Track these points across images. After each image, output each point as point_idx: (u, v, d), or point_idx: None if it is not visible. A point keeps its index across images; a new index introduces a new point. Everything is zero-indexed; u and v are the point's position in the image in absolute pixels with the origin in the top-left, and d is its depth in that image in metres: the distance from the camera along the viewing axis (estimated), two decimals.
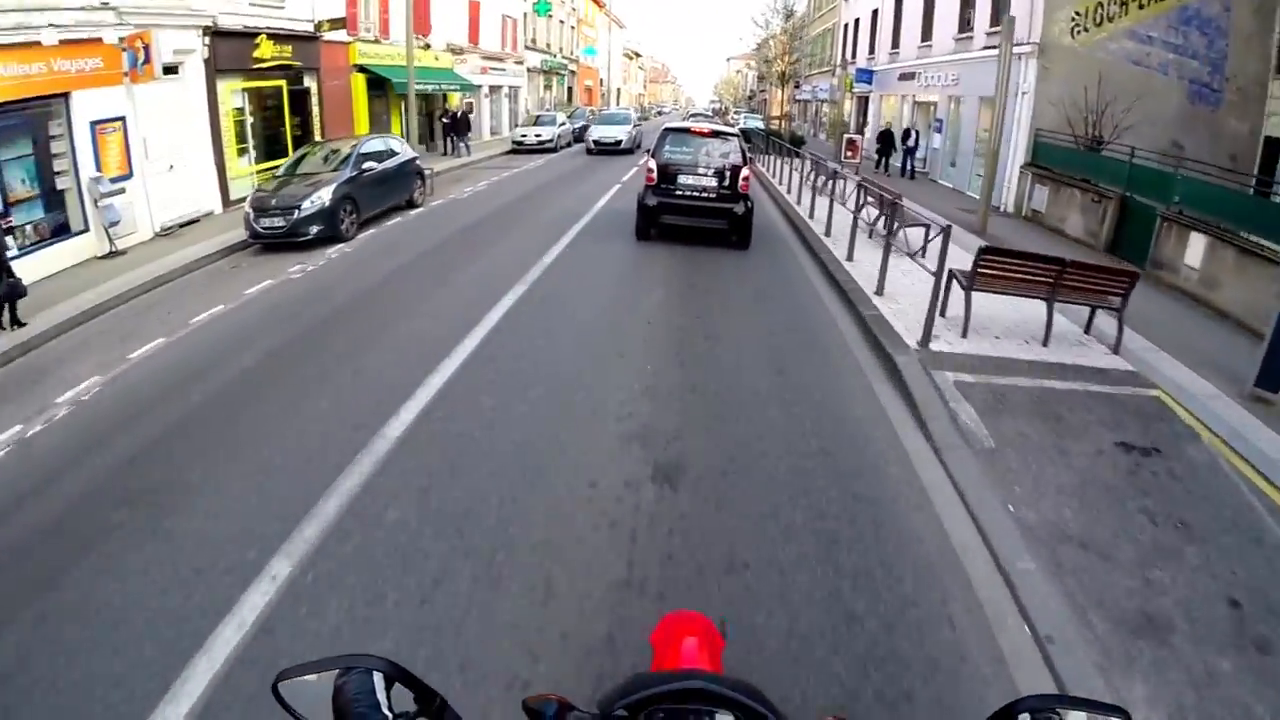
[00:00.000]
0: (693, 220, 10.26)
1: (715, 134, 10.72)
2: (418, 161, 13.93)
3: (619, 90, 66.26)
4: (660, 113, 78.54)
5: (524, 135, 24.87)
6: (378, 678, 0.92)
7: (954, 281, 7.13)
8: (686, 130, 10.84)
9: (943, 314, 7.14)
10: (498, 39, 30.25)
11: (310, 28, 16.64)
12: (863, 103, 31.12)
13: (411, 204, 13.49)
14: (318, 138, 17.24)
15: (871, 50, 29.16)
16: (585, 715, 1.02)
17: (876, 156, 22.33)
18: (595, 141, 24.65)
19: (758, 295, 8.50)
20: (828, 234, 11.55)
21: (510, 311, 7.50)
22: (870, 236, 11.19)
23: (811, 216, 12.91)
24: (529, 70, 34.92)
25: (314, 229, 10.38)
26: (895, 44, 26.28)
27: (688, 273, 9.33)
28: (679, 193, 10.23)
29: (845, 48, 33.68)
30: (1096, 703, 0.97)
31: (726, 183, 10.13)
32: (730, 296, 8.37)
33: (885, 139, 22.14)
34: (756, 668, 2.88)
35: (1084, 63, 15.42)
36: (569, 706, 1.02)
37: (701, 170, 10.17)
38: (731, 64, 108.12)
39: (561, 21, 41.40)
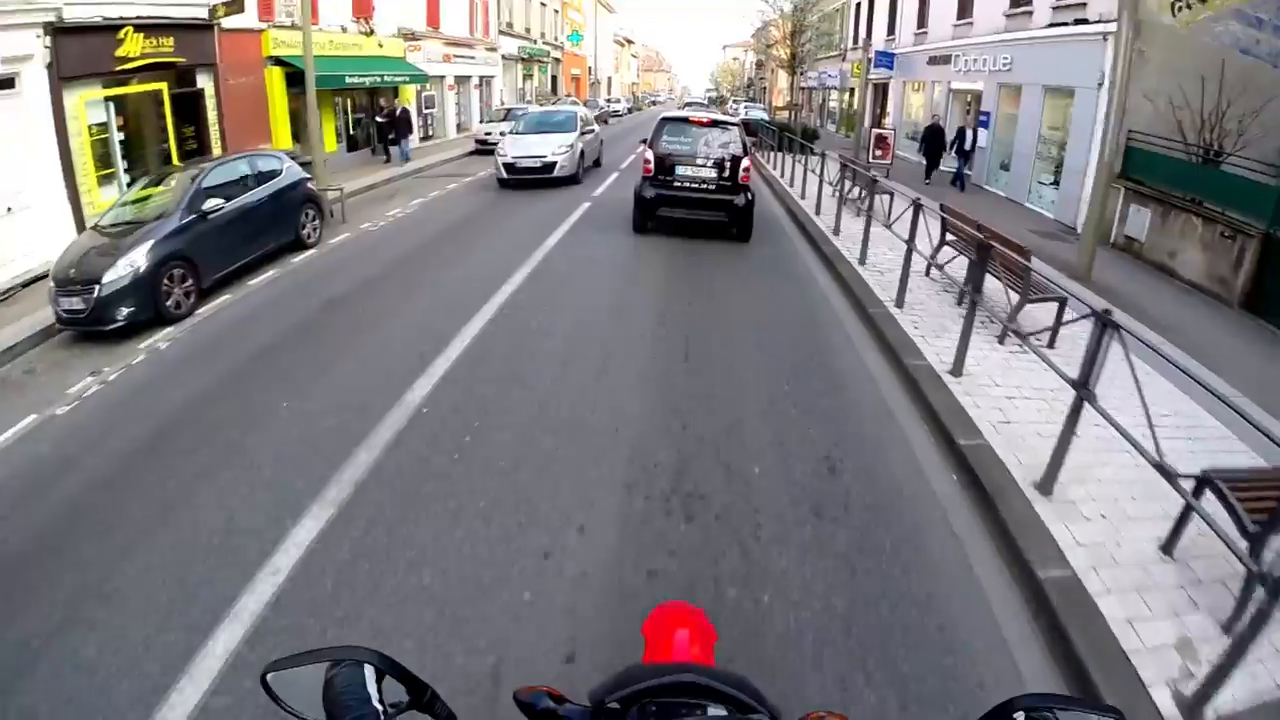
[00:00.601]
0: (691, 213, 9.96)
1: (714, 124, 10.20)
2: (308, 184, 10.27)
3: (610, 79, 62.36)
4: (654, 102, 75.14)
5: (489, 133, 21.14)
6: (368, 670, 0.92)
7: None
8: (685, 120, 10.30)
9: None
10: (464, 22, 26.55)
11: (204, 14, 13.07)
12: (880, 91, 27.47)
13: (300, 245, 9.85)
14: (216, 151, 13.76)
15: (891, 30, 25.48)
16: (576, 708, 1.03)
17: (924, 161, 17.71)
18: (507, 166, 14.74)
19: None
20: (899, 305, 7.33)
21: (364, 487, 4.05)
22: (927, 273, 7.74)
23: (863, 262, 9.05)
24: (505, 58, 31.20)
25: (123, 311, 6.82)
26: (922, 22, 22.62)
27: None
28: (677, 184, 9.86)
29: (858, 28, 29.97)
30: (1092, 703, 1.05)
31: (726, 174, 9.74)
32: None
33: (933, 138, 17.39)
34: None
35: (1184, 48, 11.85)
36: (561, 699, 1.03)
37: (700, 161, 9.78)
38: (728, 51, 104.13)
39: (544, 4, 37.63)
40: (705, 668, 1.14)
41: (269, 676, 0.91)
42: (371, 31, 19.56)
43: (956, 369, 5.48)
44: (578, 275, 8.39)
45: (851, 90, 31.93)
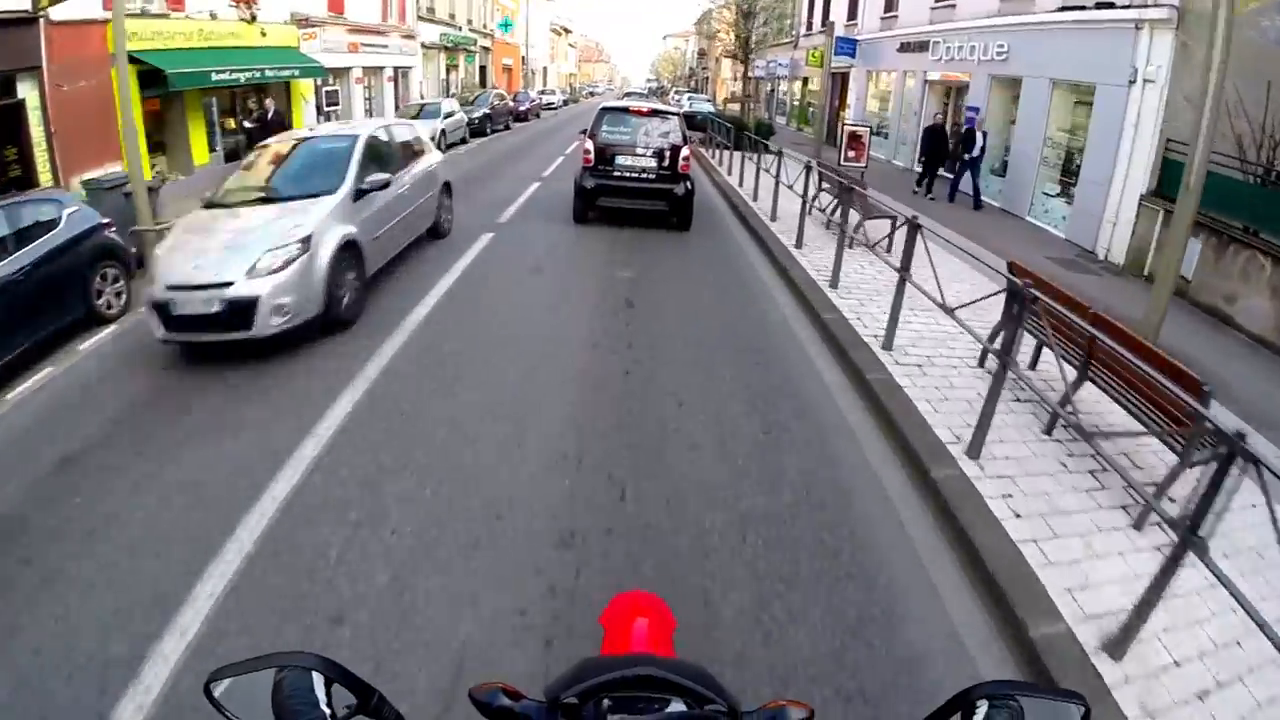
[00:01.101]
0: (632, 202, 9.98)
1: (654, 113, 10.30)
2: (107, 232, 7.00)
3: (545, 70, 58.99)
4: (592, 93, 72.15)
5: None
6: (315, 676, 0.90)
7: None
8: (624, 110, 10.40)
9: None
10: (375, 6, 23.18)
11: (24, 3, 9.89)
12: (839, 81, 25.27)
13: (95, 319, 6.65)
14: (45, 178, 10.59)
15: (852, 14, 23.26)
16: (533, 704, 1.01)
17: (920, 169, 14.94)
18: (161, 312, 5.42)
19: None
20: (974, 455, 4.29)
21: None
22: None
23: (889, 347, 5.94)
24: (425, 47, 27.85)
25: None
26: (891, 5, 20.39)
27: None
28: (617, 174, 9.88)
29: (813, 11, 27.70)
30: (1055, 690, 0.96)
31: (666, 163, 9.82)
32: None
33: (934, 142, 14.50)
34: None
35: (1238, 42, 9.69)
36: (517, 695, 1.01)
37: (640, 151, 9.82)
38: (669, 41, 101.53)
39: None
40: (663, 659, 1.18)
41: (212, 686, 0.89)
42: (253, 18, 16.20)
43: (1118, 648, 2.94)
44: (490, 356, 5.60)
45: (805, 80, 29.73)
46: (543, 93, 45.80)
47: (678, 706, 1.00)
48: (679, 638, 1.61)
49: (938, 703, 0.93)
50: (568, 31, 73.13)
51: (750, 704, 1.06)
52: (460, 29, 31.61)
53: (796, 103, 31.74)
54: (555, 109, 43.71)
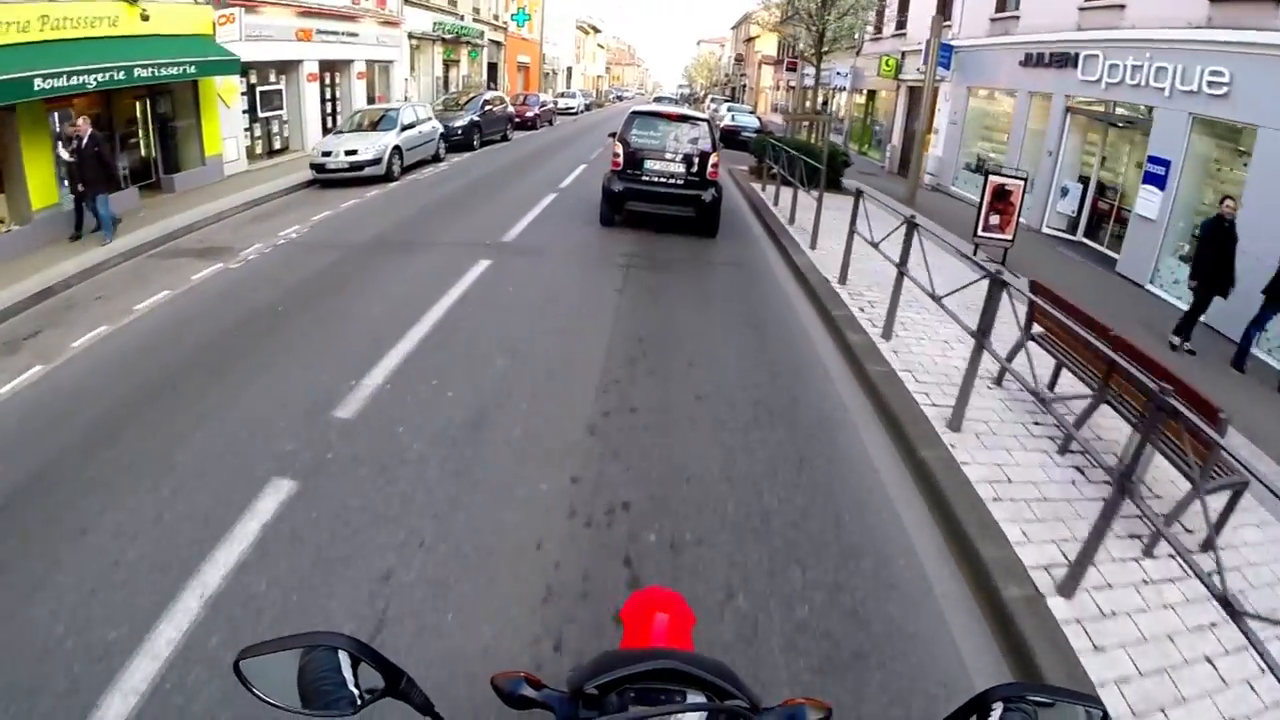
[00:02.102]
0: (659, 207, 9.90)
1: (684, 118, 10.23)
2: None
3: (569, 70, 54.26)
4: (620, 98, 67.53)
5: (328, 152, 13.23)
6: (342, 656, 0.91)
7: None
8: (655, 114, 10.37)
9: None
10: None
11: None
12: (914, 97, 20.16)
13: None
14: None
15: (945, 13, 18.10)
16: (555, 693, 1.03)
17: (1192, 287, 7.86)
18: None
19: None
20: None
21: None
22: None
23: None
24: (414, 37, 23.16)
25: None
26: (1010, 2, 15.29)
27: None
28: (645, 178, 9.82)
29: (883, 9, 22.55)
30: (1072, 692, 0.95)
31: (695, 169, 9.74)
32: None
33: (1218, 249, 7.55)
34: None
35: None
36: (539, 684, 1.03)
37: (669, 156, 9.78)
38: (703, 46, 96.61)
39: None
40: (684, 653, 1.16)
41: (242, 664, 0.90)
42: None
43: None
44: None
45: (869, 94, 24.60)
46: (561, 95, 41.02)
47: (697, 699, 1.01)
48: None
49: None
50: (596, 30, 68.28)
51: (769, 700, 1.08)
52: (462, 18, 26.88)
53: (857, 120, 26.61)
54: (575, 114, 38.86)
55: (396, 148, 13.64)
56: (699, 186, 9.72)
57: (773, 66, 49.88)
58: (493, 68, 32.81)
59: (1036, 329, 5.12)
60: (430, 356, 5.39)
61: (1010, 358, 4.71)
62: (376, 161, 13.00)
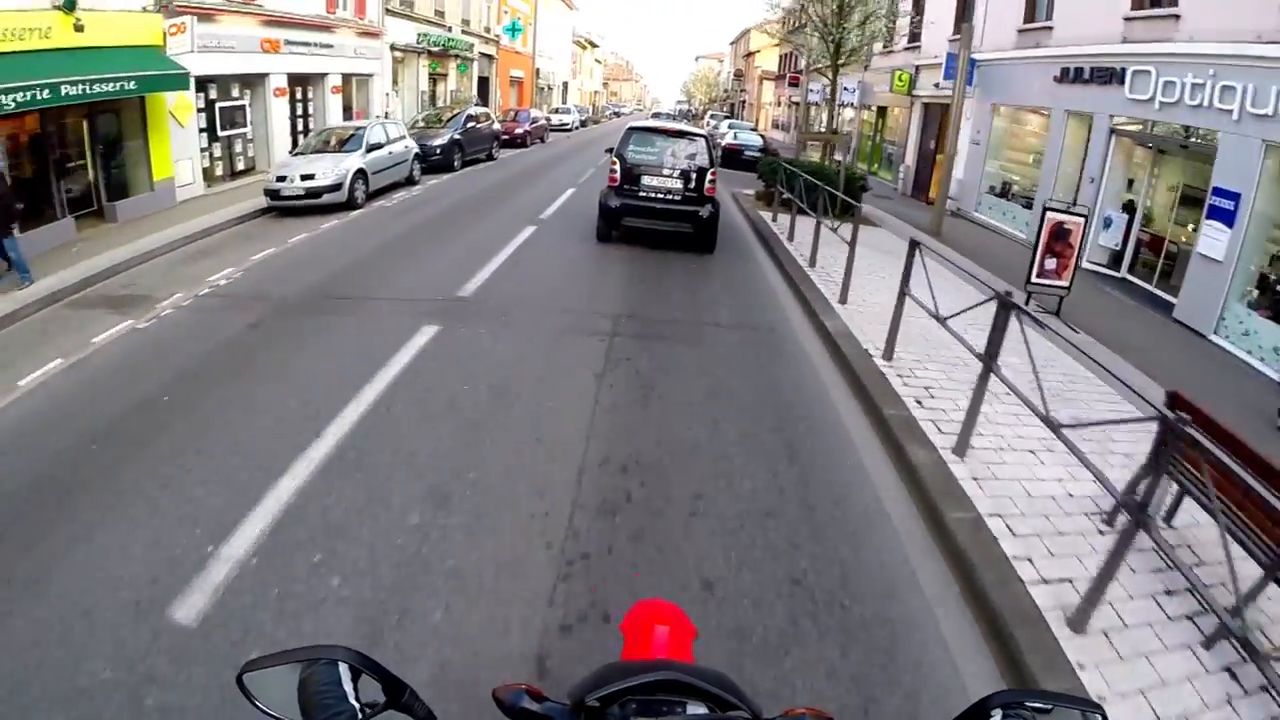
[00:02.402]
0: (656, 223, 9.88)
1: (681, 134, 10.26)
2: None
3: (565, 85, 53.16)
4: (617, 114, 66.52)
5: (283, 177, 11.75)
6: (343, 668, 0.91)
7: None
8: (652, 130, 10.35)
9: None
10: None
11: None
12: (929, 114, 18.87)
13: None
14: None
15: (965, 20, 16.84)
16: (556, 705, 1.02)
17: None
18: None
19: None
20: None
21: None
22: None
23: None
24: (396, 50, 21.88)
25: None
26: (1037, 11, 14.01)
27: None
28: (642, 194, 9.82)
29: (893, 23, 21.31)
30: (1071, 697, 0.96)
31: (692, 185, 9.74)
32: None
33: None
34: None
35: None
36: (540, 697, 1.03)
37: (666, 172, 9.78)
38: (701, 63, 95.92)
39: None
40: (685, 664, 1.17)
41: (245, 677, 0.90)
42: (72, 5, 10.19)
43: None
44: None
45: (879, 111, 23.35)
46: (556, 111, 39.83)
47: (699, 711, 1.01)
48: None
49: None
50: (593, 45, 67.29)
51: (771, 711, 1.09)
52: (449, 29, 25.63)
53: (865, 139, 25.35)
54: (570, 130, 37.65)
55: (360, 171, 12.21)
56: (696, 202, 9.70)
57: (773, 82, 48.82)
58: (484, 82, 31.57)
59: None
60: (321, 506, 3.77)
61: (1141, 498, 3.19)
62: (336, 188, 11.55)
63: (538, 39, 41.50)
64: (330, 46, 18.03)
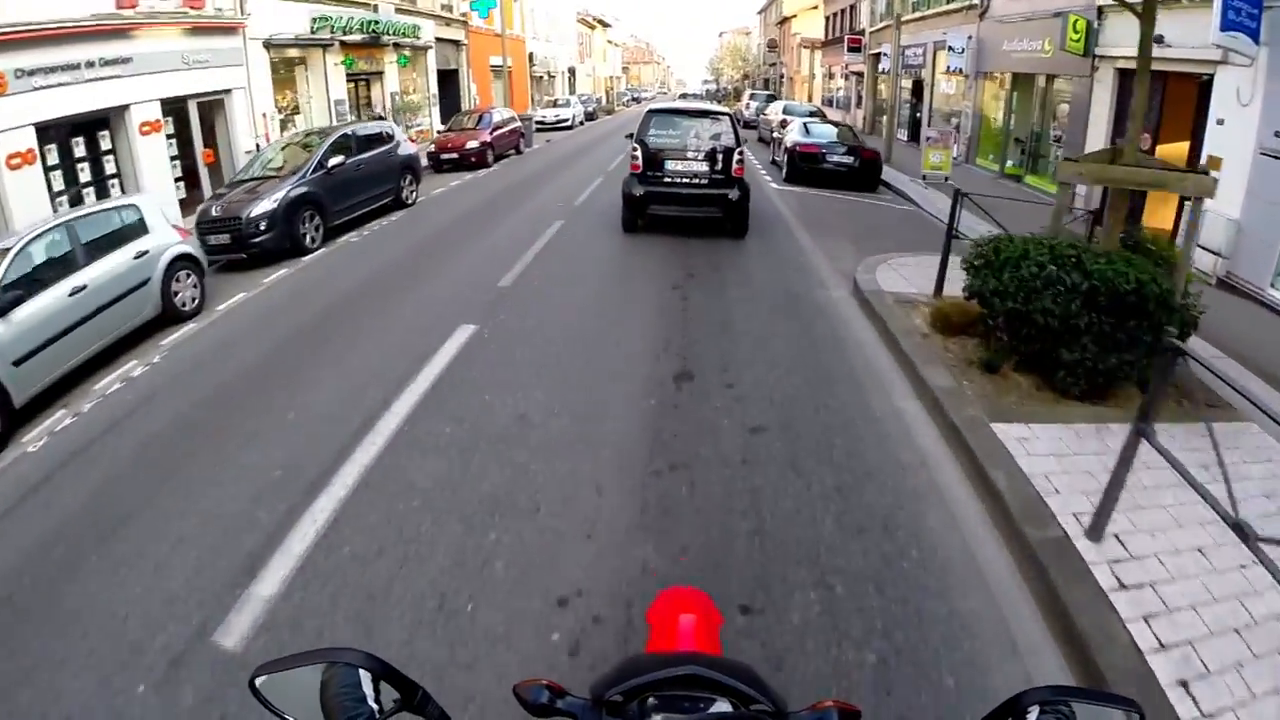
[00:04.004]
0: (684, 210, 9.52)
1: (704, 114, 10.02)
2: None
3: (572, 72, 45.51)
4: (637, 99, 58.99)
5: None
6: (363, 673, 0.92)
7: None
8: (673, 111, 10.13)
9: None
10: None
11: None
12: (1127, 88, 10.87)
13: None
14: None
15: None
16: (578, 700, 1.02)
17: None
18: None
19: None
20: None
21: None
22: None
23: None
24: (273, 46, 14.72)
25: None
26: None
27: None
28: (667, 180, 9.42)
29: None
30: (1108, 694, 0.95)
31: (719, 167, 9.34)
32: None
33: None
34: None
35: None
36: (561, 692, 1.02)
37: (691, 155, 9.38)
38: (725, 38, 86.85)
39: None
40: (709, 658, 1.16)
41: (257, 681, 0.91)
42: None
43: None
44: None
45: (1014, 80, 15.28)
46: (554, 104, 32.44)
47: (723, 706, 1.00)
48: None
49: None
50: (603, 25, 59.06)
51: (796, 705, 1.07)
52: (372, 8, 18.18)
53: (991, 126, 17.17)
54: (569, 127, 30.24)
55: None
56: (724, 185, 9.32)
57: (819, 50, 40.29)
58: (448, 77, 24.26)
59: None
60: None
61: None
62: None
63: (530, 19, 34.00)
64: (128, 61, 10.90)
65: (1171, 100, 10.35)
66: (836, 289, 7.60)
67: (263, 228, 8.86)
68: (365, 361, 5.86)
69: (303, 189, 9.53)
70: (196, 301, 7.69)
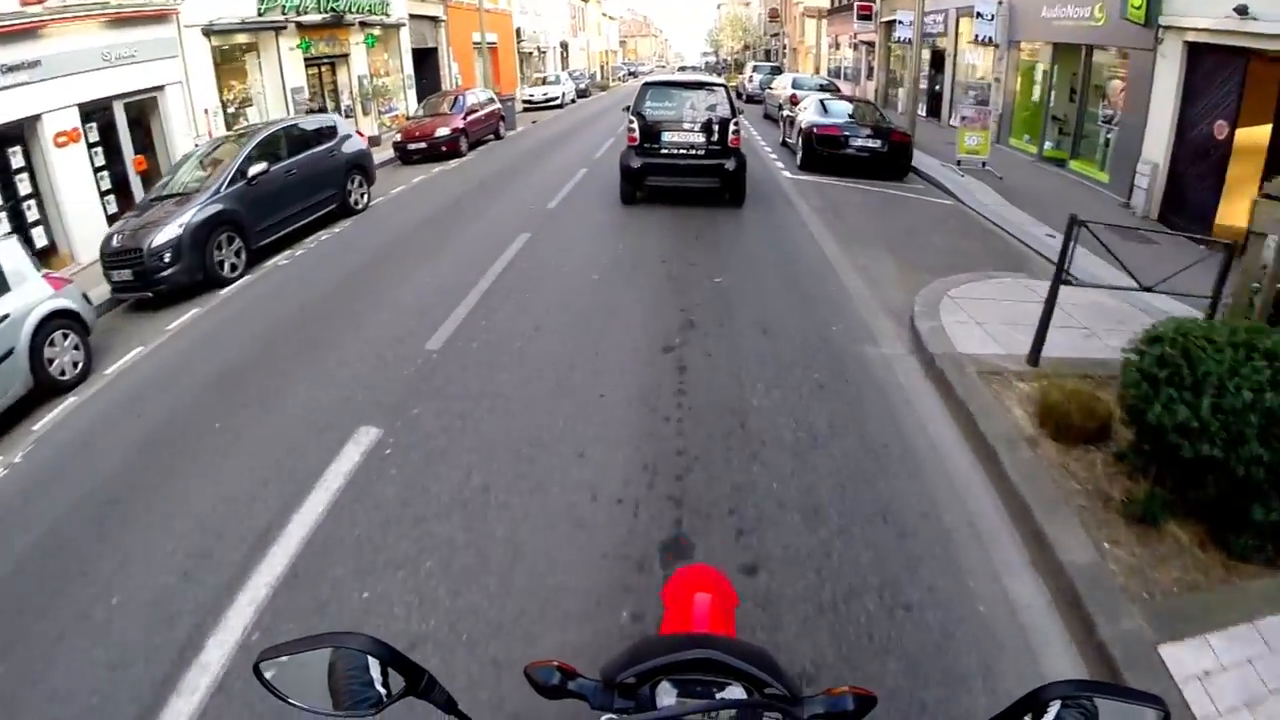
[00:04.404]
0: (681, 180, 9.60)
1: (699, 85, 10.03)
2: None
3: (565, 47, 43.39)
4: (633, 74, 57.08)
5: None
6: (370, 659, 0.91)
7: None
8: (669, 83, 10.22)
9: None
10: None
11: None
12: (1200, 68, 9.18)
13: None
14: None
15: None
16: (589, 682, 1.01)
17: None
18: None
19: None
20: None
21: None
22: None
23: None
24: (214, 32, 13.09)
25: None
26: None
27: None
28: (664, 151, 9.47)
29: None
30: (1131, 690, 0.91)
31: (715, 138, 9.32)
32: None
33: None
34: None
35: None
36: (573, 673, 1.01)
37: (688, 126, 9.38)
38: (724, 9, 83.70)
39: None
40: (723, 640, 1.12)
41: (261, 665, 0.90)
42: None
43: None
44: None
45: (1056, 51, 13.51)
46: (542, 82, 30.66)
47: (737, 690, 0.99)
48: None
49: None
50: None
51: (810, 689, 1.03)
52: None
53: (1012, 96, 15.40)
54: (559, 105, 28.69)
55: None
56: (721, 155, 9.33)
57: (823, 19, 38.04)
58: (425, 56, 22.49)
59: None
60: None
61: None
62: None
63: None
64: (36, 65, 9.30)
65: (1255, 83, 8.65)
66: (888, 340, 5.63)
67: (167, 259, 7.30)
68: (267, 448, 4.47)
69: (215, 207, 7.90)
70: (80, 366, 6.19)
